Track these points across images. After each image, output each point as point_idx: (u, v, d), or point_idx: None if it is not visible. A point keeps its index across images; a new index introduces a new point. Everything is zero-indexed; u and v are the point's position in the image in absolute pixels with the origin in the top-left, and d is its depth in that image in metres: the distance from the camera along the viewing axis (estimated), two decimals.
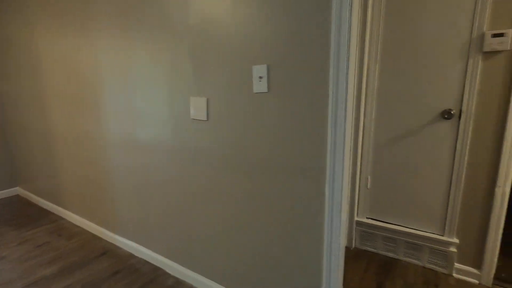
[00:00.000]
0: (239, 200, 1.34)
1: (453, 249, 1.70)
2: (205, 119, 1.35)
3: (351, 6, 0.89)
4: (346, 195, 1.07)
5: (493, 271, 1.60)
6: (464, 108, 1.56)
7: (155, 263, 1.85)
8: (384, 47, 1.77)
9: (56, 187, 2.58)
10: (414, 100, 1.72)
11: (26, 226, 2.42)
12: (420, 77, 1.68)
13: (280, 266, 1.27)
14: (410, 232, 1.82)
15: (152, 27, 1.47)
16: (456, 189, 1.64)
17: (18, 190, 3.17)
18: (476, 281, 1.65)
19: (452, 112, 1.60)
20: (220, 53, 1.25)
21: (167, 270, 1.78)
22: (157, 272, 1.78)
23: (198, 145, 1.42)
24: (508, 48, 1.41)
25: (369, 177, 1.94)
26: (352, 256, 1.95)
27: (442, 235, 1.73)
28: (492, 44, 1.44)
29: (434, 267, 1.78)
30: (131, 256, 1.95)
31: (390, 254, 1.93)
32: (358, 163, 1.94)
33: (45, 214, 2.66)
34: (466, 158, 1.59)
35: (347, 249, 2.03)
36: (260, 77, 1.12)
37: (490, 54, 1.47)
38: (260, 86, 1.13)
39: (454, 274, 1.72)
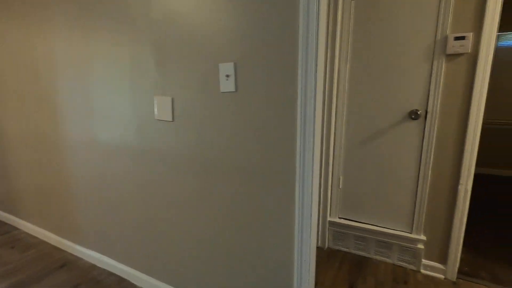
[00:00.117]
0: (207, 205, 1.27)
1: (420, 245, 1.75)
2: (171, 119, 1.27)
3: (319, 2, 0.86)
4: (316, 198, 1.05)
5: (457, 265, 1.67)
6: (429, 108, 1.61)
7: (120, 274, 1.73)
8: (354, 48, 1.78)
9: (8, 194, 2.34)
10: (384, 101, 1.74)
11: None
12: (389, 78, 1.71)
13: (251, 271, 1.22)
14: (381, 231, 1.85)
15: (113, 19, 1.36)
16: (423, 187, 1.69)
17: None
18: (442, 276, 1.71)
19: (418, 113, 1.64)
20: (185, 50, 1.17)
21: (134, 281, 1.67)
22: (122, 284, 1.66)
23: (163, 148, 1.34)
24: (469, 51, 1.46)
25: (341, 177, 1.95)
26: (326, 256, 1.95)
27: (410, 233, 1.78)
28: (454, 46, 1.49)
29: (404, 264, 1.82)
30: (94, 267, 1.81)
31: (362, 253, 1.95)
32: (331, 164, 1.94)
33: None
34: (431, 157, 1.64)
35: (321, 249, 2.03)
36: (227, 76, 1.07)
37: (453, 57, 1.52)
38: (227, 85, 1.08)
39: (422, 270, 1.77)
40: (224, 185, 1.20)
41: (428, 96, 1.61)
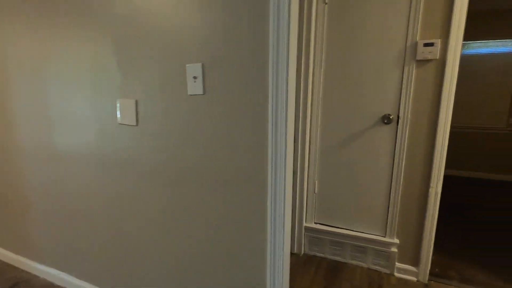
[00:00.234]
0: (173, 214, 1.18)
1: (394, 249, 1.76)
2: (134, 124, 1.17)
3: (290, 2, 0.82)
4: (289, 204, 1.00)
5: (429, 267, 1.69)
6: (401, 113, 1.63)
7: None
8: (328, 53, 1.77)
9: None
10: (357, 105, 1.75)
11: None
12: (362, 83, 1.72)
13: (222, 281, 1.15)
14: (356, 235, 1.84)
15: (72, 13, 1.25)
16: (395, 190, 1.71)
17: None
18: (414, 279, 1.73)
19: (391, 117, 1.66)
20: (150, 49, 1.09)
21: None
22: None
23: (126, 154, 1.24)
24: (437, 57, 1.50)
25: (316, 181, 1.93)
26: (302, 262, 1.91)
27: (384, 236, 1.78)
28: (423, 53, 1.52)
29: (378, 268, 1.82)
30: (51, 285, 1.65)
31: (338, 258, 1.93)
32: (306, 168, 1.92)
33: None
34: (403, 161, 1.66)
35: (297, 255, 2.00)
36: (195, 78, 1.00)
37: (422, 62, 1.55)
38: (194, 87, 1.01)
39: (396, 274, 1.78)
40: (194, 194, 1.12)
41: (400, 100, 1.63)
